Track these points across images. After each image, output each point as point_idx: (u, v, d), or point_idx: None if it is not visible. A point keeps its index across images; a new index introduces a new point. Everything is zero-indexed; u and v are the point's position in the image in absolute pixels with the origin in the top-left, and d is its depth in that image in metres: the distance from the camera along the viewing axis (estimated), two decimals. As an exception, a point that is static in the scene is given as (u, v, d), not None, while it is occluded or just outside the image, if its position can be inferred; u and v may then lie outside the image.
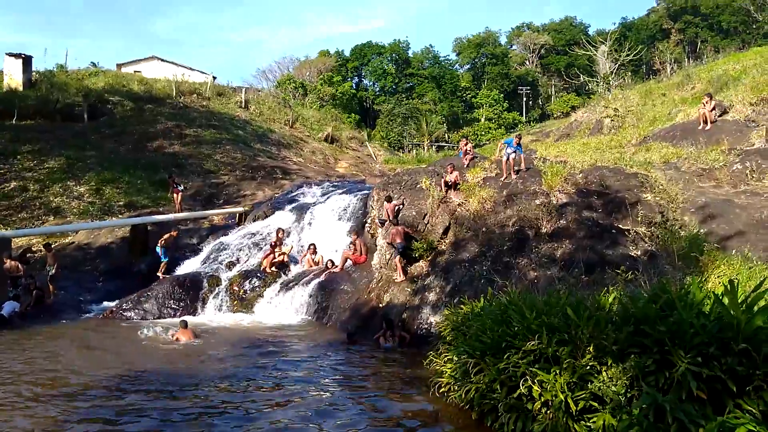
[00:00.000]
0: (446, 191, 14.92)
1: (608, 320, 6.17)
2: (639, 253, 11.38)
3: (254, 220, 19.52)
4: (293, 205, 19.83)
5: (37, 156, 24.38)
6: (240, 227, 19.47)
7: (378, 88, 70.60)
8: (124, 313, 14.43)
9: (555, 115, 56.97)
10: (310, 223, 18.06)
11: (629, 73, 44.99)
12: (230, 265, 16.72)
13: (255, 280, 15.51)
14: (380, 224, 15.05)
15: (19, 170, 23.10)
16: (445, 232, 13.96)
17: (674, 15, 70.40)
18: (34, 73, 35.36)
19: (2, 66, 34.89)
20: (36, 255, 16.55)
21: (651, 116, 22.44)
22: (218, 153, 28.05)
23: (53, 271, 15.09)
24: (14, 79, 33.61)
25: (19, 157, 24.03)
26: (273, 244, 16.21)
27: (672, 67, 32.61)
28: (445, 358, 8.25)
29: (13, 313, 13.34)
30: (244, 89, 40.87)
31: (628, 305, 6.22)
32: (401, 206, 14.99)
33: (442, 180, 15.14)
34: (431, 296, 12.11)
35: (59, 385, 8.50)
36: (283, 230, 16.74)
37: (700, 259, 10.55)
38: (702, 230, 11.66)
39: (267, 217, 19.40)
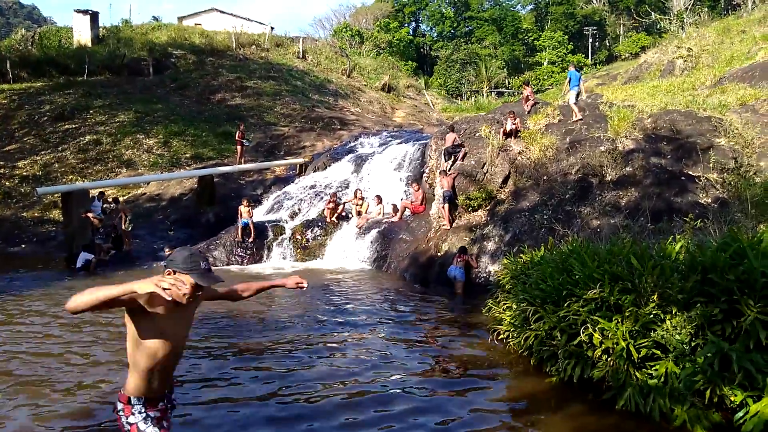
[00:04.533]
0: (506, 139, 14.66)
1: (674, 269, 6.03)
2: (709, 200, 10.91)
3: (314, 171, 19.87)
4: (351, 155, 19.99)
5: (108, 110, 25.44)
6: (301, 178, 19.87)
7: (435, 34, 68.79)
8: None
9: (623, 57, 54.02)
10: (368, 174, 18.22)
11: (706, 9, 41.76)
12: (293, 215, 17.22)
13: (317, 229, 15.92)
14: (446, 157, 14.89)
15: (92, 124, 24.23)
16: (505, 181, 13.79)
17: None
18: (101, 29, 36.52)
19: (72, 23, 36.22)
20: (111, 206, 17.49)
21: (728, 55, 20.99)
22: (278, 104, 28.41)
23: (126, 221, 15.99)
24: (83, 35, 34.85)
25: (91, 111, 25.16)
26: (335, 194, 16.51)
27: (754, 1, 30.02)
28: (504, 306, 8.33)
29: (88, 262, 14.19)
30: (301, 39, 40.76)
31: (695, 254, 6.04)
32: (462, 150, 14.78)
33: (502, 128, 14.87)
34: (490, 245, 12.11)
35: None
36: (360, 190, 16.77)
37: (777, 207, 10.02)
38: (780, 176, 11.02)
39: (326, 168, 19.69)
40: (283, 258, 15.49)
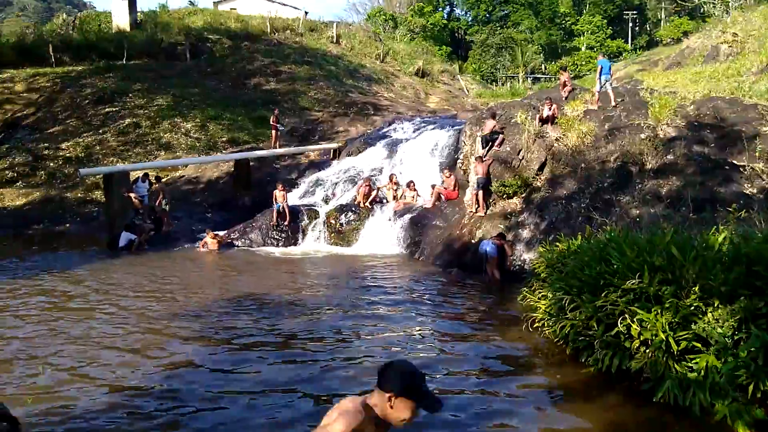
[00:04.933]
0: (543, 125, 14.47)
1: (717, 260, 5.92)
2: (755, 190, 10.62)
3: (348, 156, 19.96)
4: (385, 141, 19.99)
5: (146, 94, 25.91)
6: (335, 163, 19.99)
7: (470, 18, 67.79)
8: (233, 242, 15.51)
9: (664, 42, 52.37)
10: (401, 159, 18.22)
11: (753, -8, 40.16)
12: (327, 200, 17.37)
13: (350, 214, 16.02)
14: (483, 144, 14.78)
15: (132, 108, 24.73)
16: (541, 168, 13.64)
17: None
18: (139, 14, 37.08)
19: (110, 7, 36.88)
20: (151, 188, 17.91)
21: (777, 40, 20.20)
22: (312, 89, 28.51)
23: (165, 202, 16.39)
24: (121, 20, 35.44)
25: (130, 95, 25.67)
26: (368, 179, 16.59)
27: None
28: (540, 295, 8.29)
29: (130, 242, 14.61)
30: (335, 24, 40.71)
31: (740, 245, 5.92)
32: (500, 136, 14.64)
33: (539, 114, 14.67)
34: (525, 233, 12.03)
35: (171, 303, 9.45)
36: (395, 175, 16.80)
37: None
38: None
39: (360, 153, 19.74)
40: (318, 242, 15.67)
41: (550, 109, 14.45)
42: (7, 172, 20.32)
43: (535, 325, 7.81)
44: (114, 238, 14.78)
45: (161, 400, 5.80)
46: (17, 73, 27.68)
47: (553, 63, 55.70)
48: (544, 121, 14.50)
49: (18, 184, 19.81)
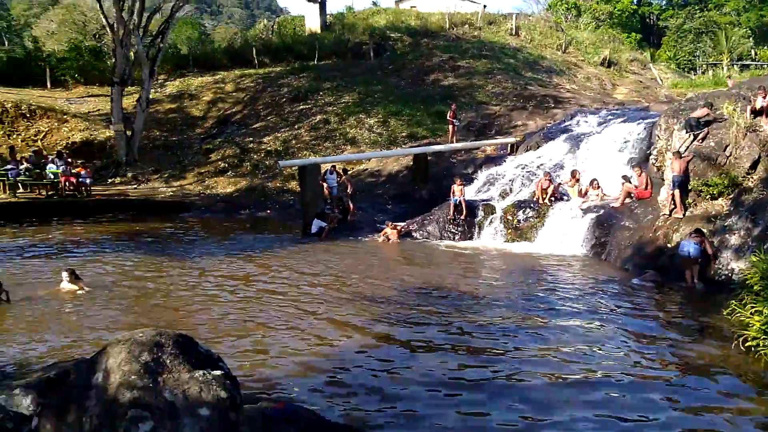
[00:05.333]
0: (755, 118, 12.80)
1: None
2: None
3: (526, 151, 19.53)
4: (566, 135, 19.20)
5: (335, 92, 27.86)
6: (512, 157, 19.69)
7: (664, 1, 61.94)
8: (411, 233, 16.11)
9: None
10: (585, 155, 17.36)
11: None
12: (504, 195, 17.20)
13: (529, 210, 15.69)
14: (688, 128, 13.44)
15: (322, 105, 26.78)
16: (753, 166, 12.08)
17: None
18: (328, 16, 39.86)
19: (303, 12, 40.12)
20: (339, 179, 19.25)
21: None
22: (489, 83, 28.32)
23: (350, 192, 17.50)
24: (313, 23, 38.39)
25: (321, 93, 27.81)
26: (548, 174, 16.11)
27: None
28: (753, 310, 7.41)
29: (321, 229, 15.88)
30: (514, 15, 39.88)
31: None
32: (705, 129, 13.25)
33: (750, 105, 13.00)
34: (733, 239, 10.78)
35: (354, 289, 10.09)
36: (578, 171, 16.21)
37: None
38: None
39: (539, 147, 19.22)
40: (494, 238, 15.60)
41: (764, 99, 12.73)
42: (220, 163, 23.27)
43: (746, 344, 7.02)
44: (307, 225, 16.19)
45: (343, 388, 6.15)
46: (227, 75, 31.45)
47: (765, 48, 48.69)
48: (757, 113, 12.82)
49: (228, 173, 22.58)
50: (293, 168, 20.14)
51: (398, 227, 15.83)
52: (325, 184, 17.43)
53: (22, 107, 25.01)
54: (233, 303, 9.23)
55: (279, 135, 24.67)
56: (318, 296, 9.66)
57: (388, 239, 15.45)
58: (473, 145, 21.50)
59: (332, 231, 16.01)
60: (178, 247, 13.98)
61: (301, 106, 26.87)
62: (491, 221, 15.98)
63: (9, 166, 19.21)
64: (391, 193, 19.59)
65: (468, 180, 18.90)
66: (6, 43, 45.88)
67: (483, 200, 16.95)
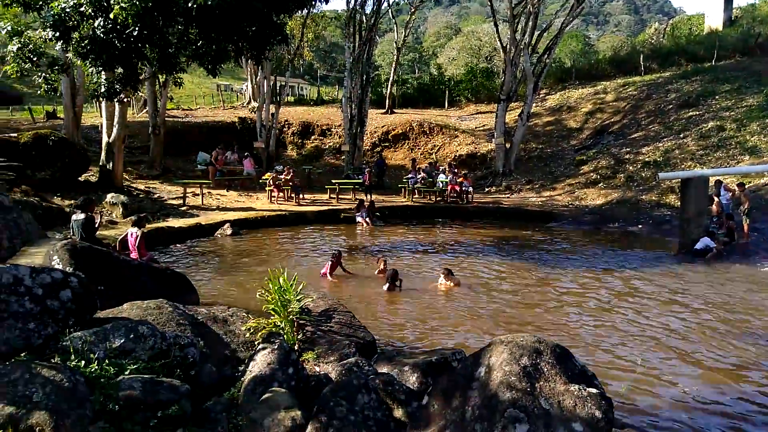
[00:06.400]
0: None
1: None
2: None
3: None
4: None
5: (735, 94, 24.14)
6: None
7: None
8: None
9: None
10: None
11: None
12: None
13: None
14: None
15: (716, 110, 23.52)
16: None
17: None
18: (734, 10, 34.78)
19: (703, 9, 35.87)
20: (733, 195, 16.60)
21: None
22: None
23: (745, 210, 14.82)
24: (714, 20, 34.07)
25: (716, 97, 24.47)
26: None
27: None
28: None
29: (707, 249, 13.92)
30: None
31: None
32: None
33: None
34: None
35: (735, 322, 8.48)
36: None
37: None
38: None
39: None
40: None
41: None
42: (592, 174, 22.82)
43: None
44: (690, 242, 14.48)
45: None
46: (608, 84, 30.63)
47: None
48: None
49: (600, 185, 21.93)
50: (672, 181, 18.27)
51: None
52: (716, 199, 15.30)
53: (424, 126, 29.57)
54: (601, 319, 8.96)
55: (660, 145, 22.70)
56: (687, 324, 8.60)
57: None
58: None
59: (719, 254, 13.93)
60: (544, 255, 14.28)
61: (690, 113, 24.13)
62: None
63: (410, 176, 23.01)
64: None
65: None
66: (417, 71, 54.92)
67: None
